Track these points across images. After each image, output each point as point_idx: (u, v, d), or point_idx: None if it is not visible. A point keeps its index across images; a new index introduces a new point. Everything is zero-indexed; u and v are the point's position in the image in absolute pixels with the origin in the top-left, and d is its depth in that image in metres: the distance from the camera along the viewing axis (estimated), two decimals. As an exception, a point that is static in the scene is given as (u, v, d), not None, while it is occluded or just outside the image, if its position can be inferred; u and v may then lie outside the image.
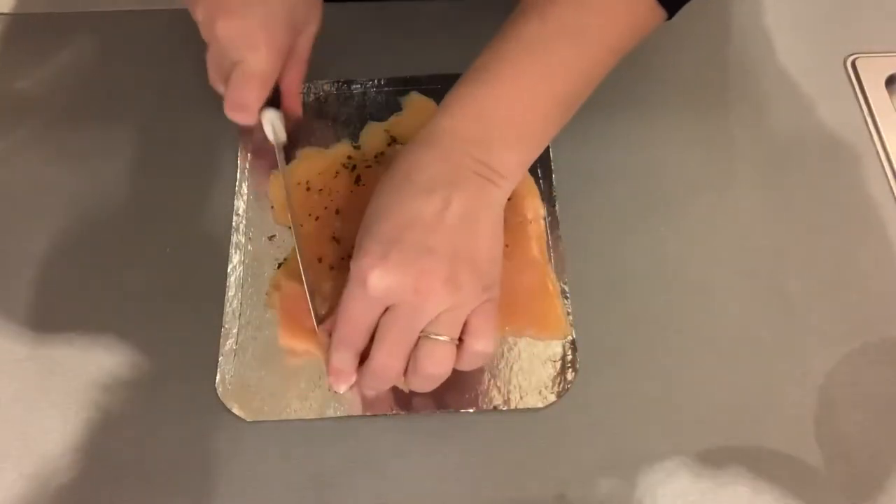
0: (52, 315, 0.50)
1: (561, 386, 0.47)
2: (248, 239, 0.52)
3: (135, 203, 0.54)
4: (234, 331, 0.49)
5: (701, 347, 0.49)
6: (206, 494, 0.44)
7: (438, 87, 0.58)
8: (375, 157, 0.55)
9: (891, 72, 0.59)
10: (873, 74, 0.59)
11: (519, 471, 0.45)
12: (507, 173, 0.43)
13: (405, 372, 0.42)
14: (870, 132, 0.57)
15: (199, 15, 0.48)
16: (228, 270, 0.51)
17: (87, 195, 0.55)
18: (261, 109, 0.49)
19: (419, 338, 0.40)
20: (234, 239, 0.52)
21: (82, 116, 0.58)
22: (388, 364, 0.41)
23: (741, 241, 0.53)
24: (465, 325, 0.41)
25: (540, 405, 0.47)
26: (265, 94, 0.48)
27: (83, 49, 0.62)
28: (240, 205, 0.54)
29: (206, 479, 0.45)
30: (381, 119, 0.57)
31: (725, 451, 0.46)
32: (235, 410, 0.46)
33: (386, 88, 0.59)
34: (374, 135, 0.56)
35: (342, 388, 0.43)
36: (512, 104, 0.43)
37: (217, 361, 0.48)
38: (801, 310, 0.50)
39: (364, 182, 0.53)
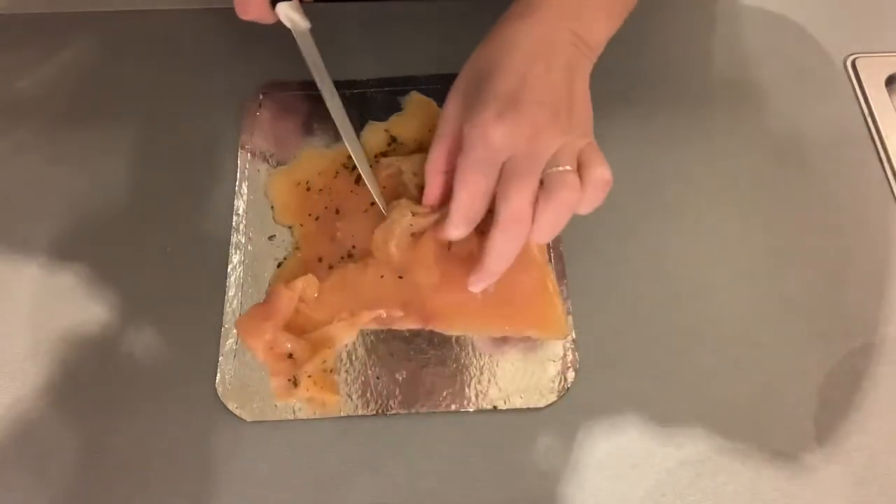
0: (51, 315, 0.50)
1: (561, 386, 0.47)
2: (248, 239, 0.52)
3: (135, 203, 0.54)
4: (234, 331, 0.49)
5: (701, 347, 0.49)
6: (206, 494, 0.45)
7: (438, 87, 0.58)
8: (375, 156, 0.55)
9: (891, 72, 0.59)
10: (873, 74, 0.59)
11: (519, 471, 0.45)
12: (595, 46, 0.46)
13: (534, 216, 0.42)
14: (870, 132, 0.57)
15: None
16: (228, 270, 0.51)
17: (87, 195, 0.55)
18: (273, 4, 0.48)
19: (545, 175, 0.42)
20: (234, 239, 0.52)
21: (82, 116, 0.58)
22: (520, 208, 0.42)
23: (741, 241, 0.53)
24: (578, 161, 0.43)
25: (540, 405, 0.47)
26: None
27: (83, 49, 0.62)
28: (240, 205, 0.54)
29: (206, 479, 0.45)
30: (381, 119, 0.57)
31: (725, 451, 0.46)
32: (235, 410, 0.47)
33: (386, 88, 0.59)
34: (374, 135, 0.56)
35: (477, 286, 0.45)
36: None
37: (217, 361, 0.48)
38: (801, 310, 0.50)
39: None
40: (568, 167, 0.42)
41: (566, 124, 0.43)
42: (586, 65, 0.46)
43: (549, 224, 0.43)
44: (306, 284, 0.49)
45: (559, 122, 0.42)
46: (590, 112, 0.45)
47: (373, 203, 0.52)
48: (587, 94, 0.45)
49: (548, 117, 0.42)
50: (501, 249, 0.43)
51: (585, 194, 0.43)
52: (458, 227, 0.44)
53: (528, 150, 0.42)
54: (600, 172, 0.43)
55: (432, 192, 0.47)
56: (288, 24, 0.49)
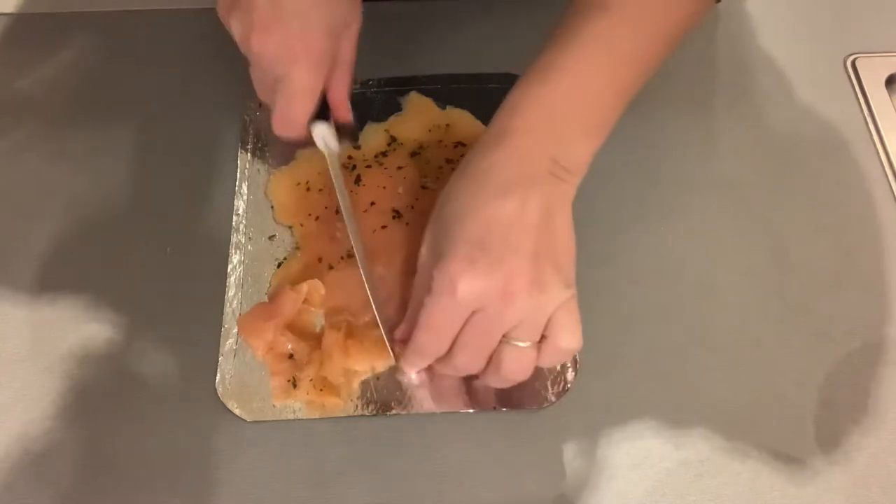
0: (50, 315, 0.50)
1: (561, 386, 0.47)
2: (248, 239, 0.52)
3: (135, 203, 0.54)
4: (234, 331, 0.49)
5: (701, 347, 0.49)
6: (206, 494, 0.44)
7: (438, 87, 0.58)
8: (375, 156, 0.55)
9: (891, 72, 0.59)
10: (873, 74, 0.59)
11: (519, 471, 0.45)
12: (577, 169, 0.43)
13: (484, 370, 0.43)
14: (870, 132, 0.57)
15: (234, 30, 0.45)
16: (228, 270, 0.51)
17: (87, 195, 0.55)
18: (310, 123, 0.47)
19: (501, 342, 0.41)
20: (234, 239, 0.52)
21: (82, 116, 0.58)
22: (469, 365, 0.42)
23: (741, 241, 0.53)
24: (549, 321, 0.40)
25: (540, 405, 0.47)
26: (312, 107, 0.46)
27: (83, 49, 0.62)
28: (240, 205, 0.54)
29: (206, 479, 0.45)
30: (381, 119, 0.57)
31: (725, 451, 0.46)
32: (235, 410, 0.46)
33: (386, 88, 0.59)
34: (374, 135, 0.56)
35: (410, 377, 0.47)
36: (580, 99, 0.43)
37: (217, 361, 0.48)
38: (801, 310, 0.50)
39: (364, 182, 0.53)
40: (528, 344, 0.40)
41: (543, 276, 0.39)
42: (567, 194, 0.42)
43: (495, 384, 0.44)
44: (312, 288, 0.49)
45: (536, 273, 0.39)
46: (571, 251, 0.42)
47: (373, 203, 0.52)
48: (568, 230, 0.42)
49: (523, 268, 0.39)
50: (443, 374, 0.45)
51: (545, 359, 0.41)
52: (412, 366, 0.45)
53: (495, 310, 0.39)
54: (567, 343, 0.41)
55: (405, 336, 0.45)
56: (321, 146, 0.48)
